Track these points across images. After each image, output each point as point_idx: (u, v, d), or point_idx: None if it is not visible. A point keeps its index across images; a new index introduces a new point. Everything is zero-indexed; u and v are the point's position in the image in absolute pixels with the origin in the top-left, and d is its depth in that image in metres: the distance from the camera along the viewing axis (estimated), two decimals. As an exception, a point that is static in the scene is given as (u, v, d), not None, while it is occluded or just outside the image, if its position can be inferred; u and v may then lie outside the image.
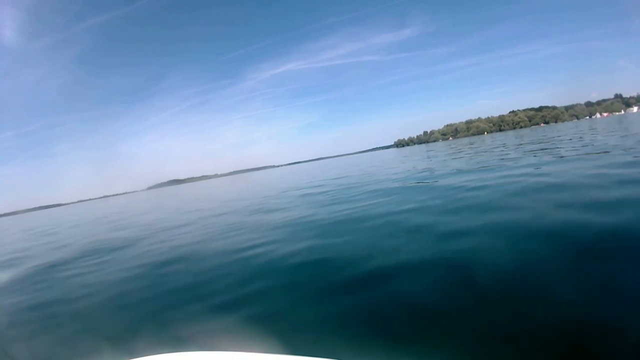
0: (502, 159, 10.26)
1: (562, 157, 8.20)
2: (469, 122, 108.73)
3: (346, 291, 2.38)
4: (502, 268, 2.34)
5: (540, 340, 1.54)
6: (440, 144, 65.91)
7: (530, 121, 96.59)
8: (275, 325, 2.03)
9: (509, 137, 32.57)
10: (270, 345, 1.72)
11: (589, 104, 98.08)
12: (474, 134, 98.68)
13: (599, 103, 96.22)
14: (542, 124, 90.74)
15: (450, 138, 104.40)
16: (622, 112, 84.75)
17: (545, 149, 11.31)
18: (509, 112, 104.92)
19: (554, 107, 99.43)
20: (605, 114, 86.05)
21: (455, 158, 14.38)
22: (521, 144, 16.27)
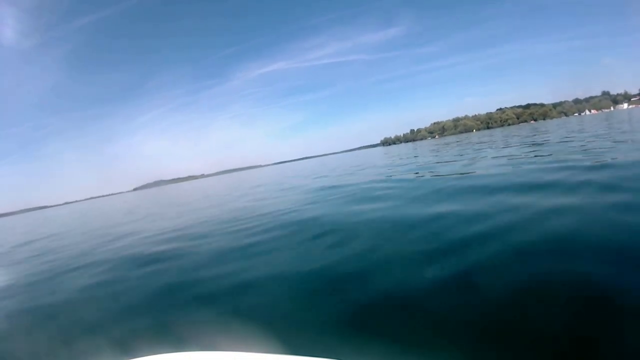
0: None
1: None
2: (456, 120, 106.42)
3: (346, 291, 2.34)
4: (502, 269, 2.31)
5: (540, 340, 1.54)
6: (426, 142, 63.15)
7: (518, 119, 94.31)
8: (275, 325, 2.00)
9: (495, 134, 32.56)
10: (270, 345, 1.72)
11: (577, 101, 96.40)
12: (461, 132, 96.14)
13: (587, 100, 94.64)
14: (531, 121, 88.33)
15: (437, 136, 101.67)
16: (611, 109, 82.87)
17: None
18: (497, 110, 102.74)
19: (542, 105, 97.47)
20: (594, 111, 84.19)
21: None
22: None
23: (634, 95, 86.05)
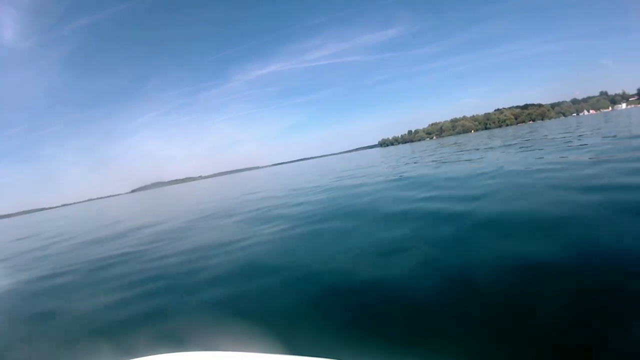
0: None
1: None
2: (454, 121, 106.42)
3: (346, 291, 2.36)
4: (500, 267, 2.31)
5: (540, 340, 1.55)
6: (424, 143, 63.25)
7: (516, 119, 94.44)
8: (275, 325, 2.01)
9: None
10: (270, 345, 1.73)
11: (575, 101, 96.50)
12: (459, 133, 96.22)
13: (585, 100, 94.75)
14: (529, 122, 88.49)
15: (435, 137, 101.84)
16: (609, 109, 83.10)
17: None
18: (494, 110, 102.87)
19: (540, 105, 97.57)
20: (592, 111, 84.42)
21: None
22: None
23: (632, 95, 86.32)
